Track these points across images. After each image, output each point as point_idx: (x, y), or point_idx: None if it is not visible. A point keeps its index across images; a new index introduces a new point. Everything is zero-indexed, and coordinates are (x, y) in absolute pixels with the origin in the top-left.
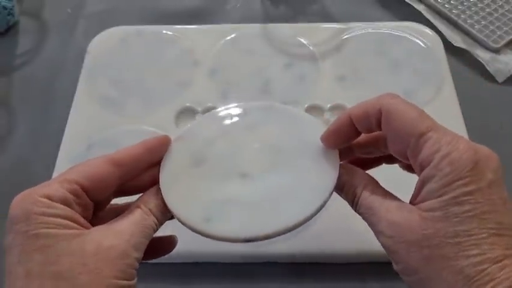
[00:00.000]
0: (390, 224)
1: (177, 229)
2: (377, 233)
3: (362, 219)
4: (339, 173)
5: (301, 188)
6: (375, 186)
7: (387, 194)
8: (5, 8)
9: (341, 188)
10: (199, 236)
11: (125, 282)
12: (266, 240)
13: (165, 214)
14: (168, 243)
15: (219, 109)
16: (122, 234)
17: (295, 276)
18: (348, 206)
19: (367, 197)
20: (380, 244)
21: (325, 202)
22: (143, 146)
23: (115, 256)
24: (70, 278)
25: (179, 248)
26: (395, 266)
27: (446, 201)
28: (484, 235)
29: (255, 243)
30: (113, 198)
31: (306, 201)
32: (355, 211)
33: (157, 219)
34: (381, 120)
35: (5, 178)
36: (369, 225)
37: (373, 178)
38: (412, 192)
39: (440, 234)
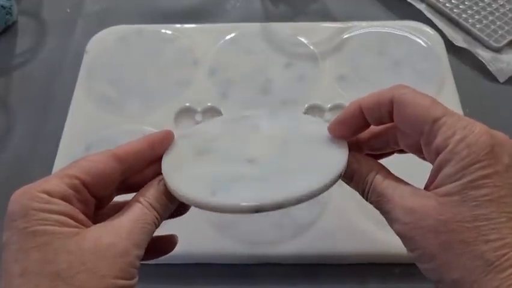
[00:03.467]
0: (405, 210)
1: (178, 230)
2: (391, 221)
3: (363, 220)
4: (348, 161)
5: (311, 166)
6: (387, 173)
7: (399, 181)
8: (3, 7)
9: (351, 176)
10: (203, 234)
11: (125, 281)
12: (270, 236)
13: (167, 206)
14: (168, 242)
15: (221, 116)
16: (121, 231)
17: (296, 277)
18: (350, 207)
19: (379, 184)
20: (380, 245)
21: (339, 176)
22: (146, 141)
23: (114, 254)
24: (68, 278)
25: (181, 248)
26: (410, 254)
27: (464, 185)
28: (503, 219)
29: (260, 243)
30: (116, 195)
31: (317, 174)
32: (366, 200)
33: (158, 213)
34: (394, 110)
35: (3, 178)
36: (382, 213)
37: (384, 166)
38: (423, 182)
39: (458, 218)
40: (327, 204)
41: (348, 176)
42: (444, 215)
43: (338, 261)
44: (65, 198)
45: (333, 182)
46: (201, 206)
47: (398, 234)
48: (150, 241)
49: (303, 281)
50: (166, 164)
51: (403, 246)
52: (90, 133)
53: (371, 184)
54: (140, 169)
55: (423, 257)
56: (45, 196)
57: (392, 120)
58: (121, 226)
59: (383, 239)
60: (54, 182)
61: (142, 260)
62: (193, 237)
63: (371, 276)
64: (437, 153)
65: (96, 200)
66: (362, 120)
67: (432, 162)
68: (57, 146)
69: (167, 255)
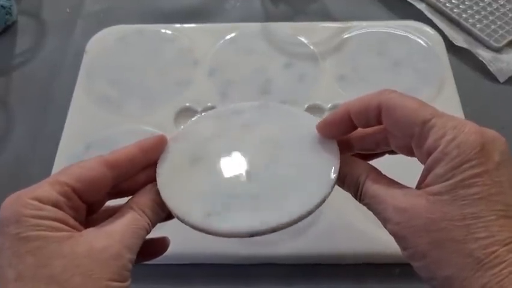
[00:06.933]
0: (397, 210)
1: (176, 230)
2: (384, 221)
3: (362, 220)
4: (339, 164)
5: (304, 179)
6: (378, 175)
7: (390, 181)
8: (3, 7)
9: (343, 179)
10: (200, 234)
11: (118, 283)
12: (268, 236)
13: (159, 214)
14: (160, 245)
15: (213, 110)
16: (114, 235)
17: (294, 277)
18: (349, 207)
19: (370, 186)
20: (379, 245)
21: (329, 192)
22: (139, 147)
23: (107, 257)
24: (62, 281)
25: (179, 249)
26: (403, 252)
27: (454, 184)
28: (492, 217)
29: (257, 243)
30: (108, 200)
31: (309, 192)
32: (359, 202)
33: (150, 219)
34: (382, 115)
35: (3, 178)
36: (374, 214)
37: (374, 167)
38: (414, 182)
39: (448, 217)
40: (326, 204)
41: (340, 179)
42: (435, 214)
43: (337, 261)
44: (55, 205)
45: (324, 200)
46: (196, 229)
47: (391, 233)
48: (142, 244)
49: (303, 281)
50: (161, 174)
51: None
52: (90, 133)
53: (363, 186)
54: (132, 175)
55: (415, 255)
56: (36, 203)
57: (379, 124)
58: (114, 230)
59: (382, 239)
60: (45, 189)
61: (135, 262)
62: (192, 237)
63: (370, 276)
64: (429, 155)
65: (87, 205)
66: (349, 123)
67: (423, 163)
68: (57, 146)
69: (168, 255)
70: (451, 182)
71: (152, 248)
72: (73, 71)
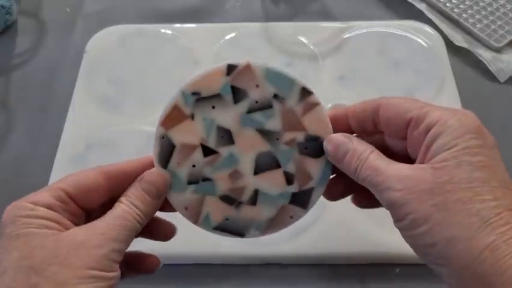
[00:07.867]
0: (400, 178)
1: (179, 230)
2: (382, 191)
3: (363, 220)
4: (342, 141)
5: None
6: (380, 154)
7: (392, 160)
8: (3, 7)
9: (344, 155)
10: (201, 234)
11: (101, 272)
12: (268, 236)
13: (149, 204)
14: (150, 261)
15: None
16: (97, 229)
17: (296, 277)
18: (350, 207)
19: (373, 161)
20: (380, 245)
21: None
22: (141, 163)
23: (87, 247)
24: (41, 271)
25: (181, 248)
26: (398, 223)
27: (458, 151)
28: (496, 184)
29: (257, 243)
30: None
31: None
32: (357, 178)
33: (140, 210)
34: (380, 112)
35: (3, 178)
36: (371, 186)
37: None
38: None
39: (455, 180)
40: (327, 205)
41: (341, 156)
42: (442, 178)
43: (338, 261)
44: (49, 207)
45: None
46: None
47: (389, 202)
48: (132, 258)
49: (303, 281)
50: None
51: (403, 246)
52: (90, 133)
53: (365, 161)
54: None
55: (416, 220)
56: (30, 205)
57: (374, 127)
58: (99, 225)
59: (383, 239)
60: (42, 194)
61: (125, 276)
62: (193, 237)
63: (371, 276)
64: (427, 131)
65: (85, 212)
66: (346, 126)
67: (419, 145)
68: (57, 146)
69: (169, 255)
70: (455, 149)
71: (142, 262)
72: (72, 70)
